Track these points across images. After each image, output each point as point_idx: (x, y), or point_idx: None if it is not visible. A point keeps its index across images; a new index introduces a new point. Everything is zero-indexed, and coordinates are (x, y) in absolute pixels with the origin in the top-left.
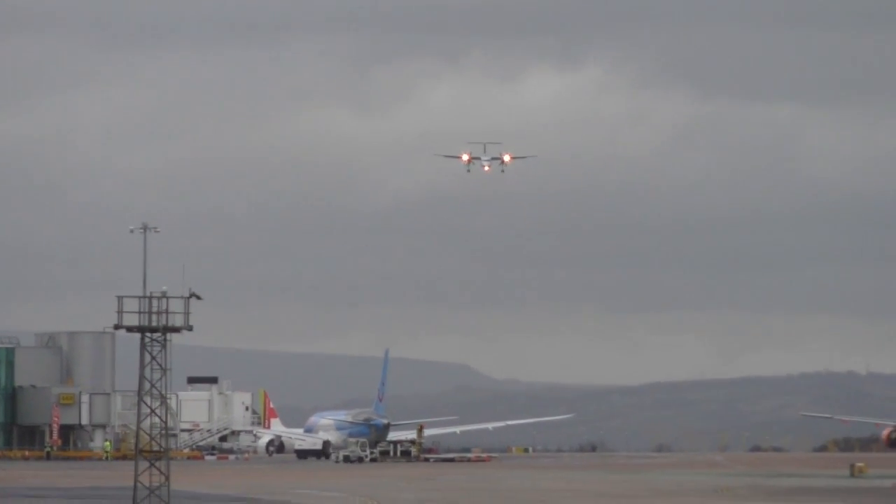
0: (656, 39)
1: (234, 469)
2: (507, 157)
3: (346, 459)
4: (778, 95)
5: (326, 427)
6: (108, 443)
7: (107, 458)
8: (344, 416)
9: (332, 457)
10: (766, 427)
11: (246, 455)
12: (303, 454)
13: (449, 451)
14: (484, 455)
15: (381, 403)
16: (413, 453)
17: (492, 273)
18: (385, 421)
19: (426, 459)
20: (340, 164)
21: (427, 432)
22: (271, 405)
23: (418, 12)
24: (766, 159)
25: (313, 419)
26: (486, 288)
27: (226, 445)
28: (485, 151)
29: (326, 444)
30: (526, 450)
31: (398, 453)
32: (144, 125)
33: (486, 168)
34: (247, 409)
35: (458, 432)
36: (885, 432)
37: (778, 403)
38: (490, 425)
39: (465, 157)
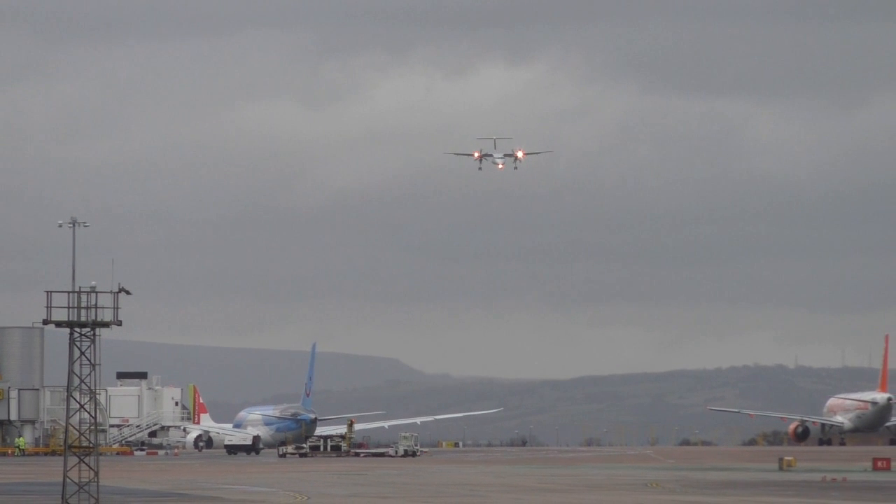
0: (604, 34)
1: (164, 464)
2: (520, 154)
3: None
4: (723, 89)
5: (255, 422)
6: (20, 439)
7: (17, 453)
8: (272, 411)
9: (280, 451)
10: (695, 421)
11: (175, 450)
12: (232, 449)
13: (379, 445)
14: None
15: (308, 398)
16: (343, 448)
17: (424, 268)
18: (313, 416)
19: (356, 454)
20: (283, 158)
21: (357, 427)
22: (201, 400)
23: (366, 7)
24: (709, 153)
25: (242, 414)
26: (419, 282)
27: (155, 441)
28: (495, 147)
29: (256, 439)
30: (456, 444)
31: (328, 448)
32: (86, 119)
33: (500, 166)
34: (176, 404)
35: (387, 427)
36: (791, 426)
37: (707, 397)
38: (419, 419)
39: (476, 155)
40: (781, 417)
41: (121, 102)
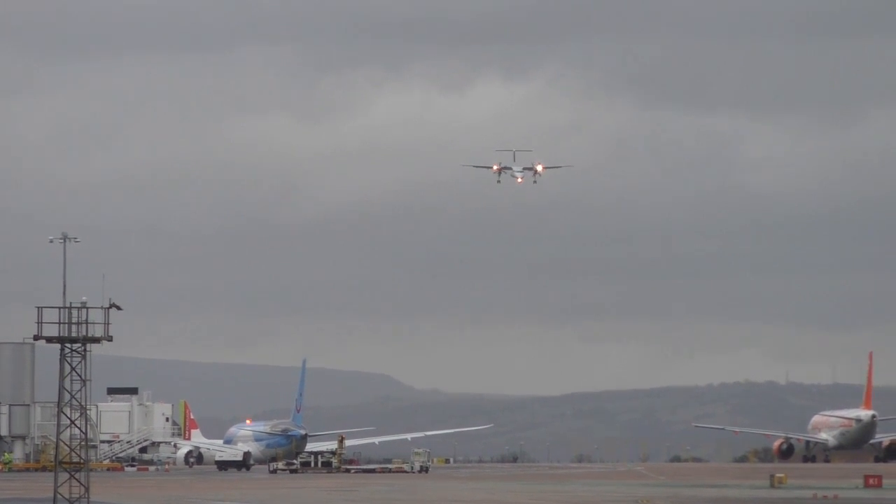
0: (600, 50)
1: (154, 480)
2: (539, 168)
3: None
4: (718, 105)
5: (245, 438)
6: (8, 454)
7: (6, 470)
8: (262, 427)
9: (271, 467)
10: (686, 437)
11: (166, 466)
12: (223, 465)
13: (370, 461)
14: (405, 466)
15: (299, 414)
16: (334, 464)
17: (415, 283)
18: (303, 431)
19: (347, 470)
20: (278, 173)
21: (347, 443)
22: (191, 416)
23: (362, 22)
24: (704, 169)
25: (232, 430)
26: (410, 298)
27: (146, 457)
28: (514, 160)
29: (247, 455)
30: (447, 460)
31: (319, 464)
32: (80, 134)
33: (519, 180)
34: (167, 420)
35: (378, 443)
36: (775, 444)
37: (698, 413)
38: (409, 436)
39: (495, 168)
40: (766, 434)
41: (115, 117)
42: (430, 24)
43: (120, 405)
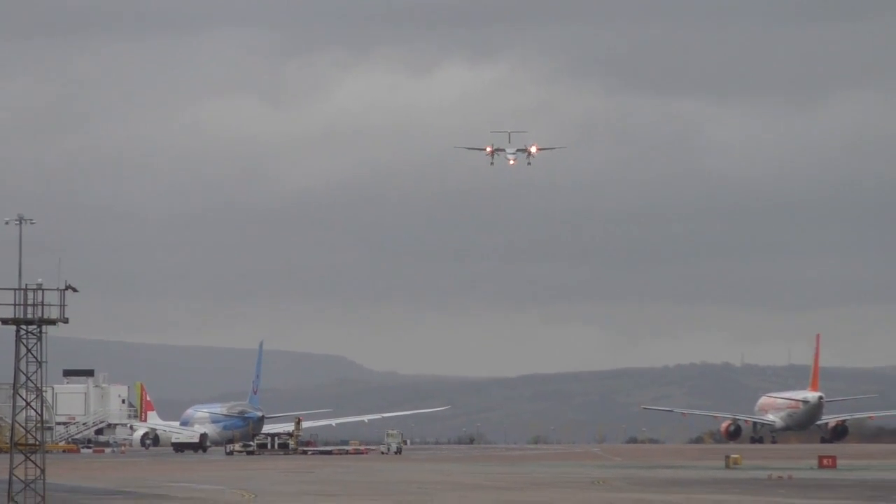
0: (567, 34)
1: (111, 462)
2: (533, 149)
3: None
4: (684, 89)
5: (202, 420)
6: None
7: None
8: (219, 408)
9: (227, 448)
10: (642, 418)
11: (122, 448)
12: (179, 447)
13: (327, 443)
14: (362, 447)
15: (255, 396)
16: (291, 446)
17: (374, 266)
18: (260, 413)
19: (304, 452)
20: (244, 157)
21: (304, 425)
22: (148, 398)
23: (329, 6)
24: (668, 153)
25: (189, 412)
26: (368, 281)
27: (102, 438)
28: (510, 142)
29: (203, 436)
30: (404, 442)
31: (276, 446)
32: (46, 115)
33: (511, 161)
34: (123, 401)
35: (335, 425)
36: (723, 425)
37: (655, 395)
38: (366, 417)
39: (488, 150)
40: (714, 416)
41: (81, 99)
42: (397, 7)
43: (76, 387)
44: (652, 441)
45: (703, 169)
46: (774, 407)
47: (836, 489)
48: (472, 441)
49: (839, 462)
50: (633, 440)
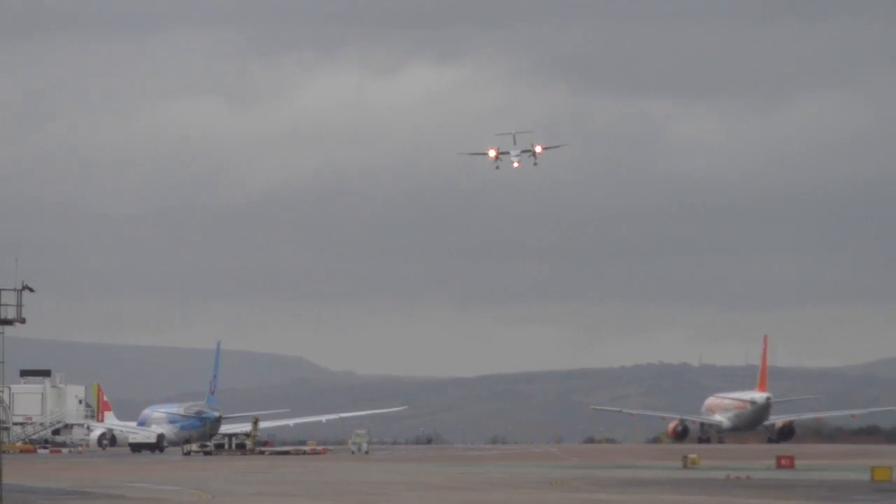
0: (531, 35)
1: (67, 463)
2: (538, 149)
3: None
4: (648, 89)
5: (159, 420)
6: None
7: None
8: (176, 408)
9: (185, 449)
10: (600, 418)
11: (79, 448)
12: (136, 447)
13: (285, 443)
14: (319, 448)
15: (213, 396)
16: (248, 446)
17: (333, 266)
18: (217, 414)
19: (261, 452)
20: (206, 157)
21: (262, 425)
22: (105, 398)
23: (294, 6)
24: (630, 153)
25: (146, 412)
26: (327, 281)
27: (59, 439)
28: (515, 143)
29: (160, 437)
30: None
31: (233, 446)
32: (8, 115)
33: (516, 164)
34: (80, 402)
35: (293, 425)
36: (671, 425)
37: (613, 395)
38: (324, 418)
39: (493, 154)
40: (662, 416)
41: (44, 98)
42: (362, 8)
43: (32, 387)
44: (609, 441)
45: (664, 169)
46: (722, 407)
47: (794, 489)
48: (429, 441)
49: (797, 462)
50: (591, 440)
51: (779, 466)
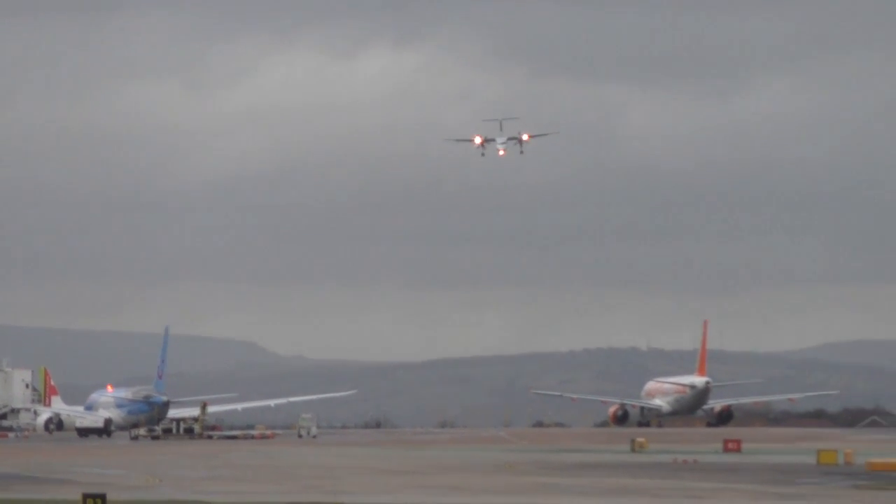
0: (491, 18)
1: (14, 447)
2: (525, 137)
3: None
4: (607, 74)
5: (106, 404)
6: None
7: None
8: (124, 393)
9: (132, 433)
10: (549, 403)
11: (25, 433)
12: (84, 432)
13: (233, 428)
14: (268, 432)
15: (161, 381)
16: (196, 431)
17: (282, 250)
18: (165, 398)
19: (209, 437)
20: (163, 140)
21: (210, 409)
22: (52, 383)
23: None
24: (588, 138)
25: (93, 396)
26: (277, 265)
27: (5, 423)
28: (501, 130)
29: (108, 421)
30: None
31: (181, 431)
32: None
33: (501, 152)
34: (27, 386)
35: (241, 409)
36: (611, 409)
37: (562, 379)
38: (273, 402)
39: (478, 140)
40: (603, 401)
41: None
42: None
43: None
44: (558, 425)
45: (618, 154)
46: (661, 392)
47: (741, 473)
48: (378, 425)
49: (744, 446)
50: (540, 424)
51: (726, 450)
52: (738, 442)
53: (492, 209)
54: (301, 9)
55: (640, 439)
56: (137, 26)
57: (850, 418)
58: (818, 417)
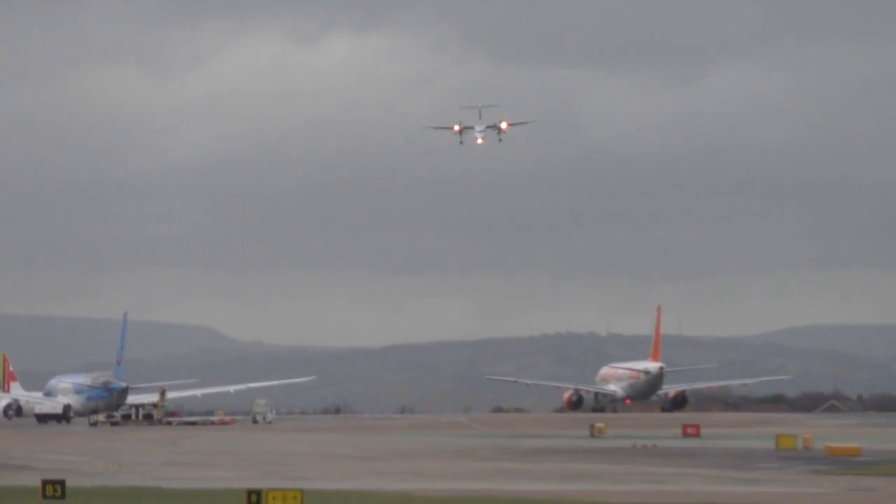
0: (453, 4)
1: None
2: (503, 125)
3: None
4: (570, 60)
5: (65, 390)
6: None
7: None
8: (83, 379)
9: (91, 419)
10: (508, 388)
11: None
12: (42, 418)
13: (192, 414)
14: (227, 418)
15: (120, 367)
16: (155, 417)
17: (242, 236)
18: (124, 384)
19: (168, 423)
20: (124, 125)
21: (169, 395)
22: (11, 368)
23: None
24: (549, 124)
25: (52, 382)
26: (236, 251)
27: None
28: (480, 117)
29: (67, 407)
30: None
31: (140, 417)
32: None
33: (479, 140)
34: None
35: (200, 395)
36: (566, 395)
37: (521, 364)
38: (232, 388)
39: (456, 128)
40: (557, 386)
41: None
42: None
43: None
44: (518, 410)
45: (580, 140)
46: (616, 377)
47: (700, 458)
48: (338, 411)
49: (703, 431)
50: (499, 409)
51: (685, 435)
52: (697, 427)
53: (451, 196)
54: None
55: (599, 424)
56: (98, 10)
57: (809, 403)
58: (777, 402)
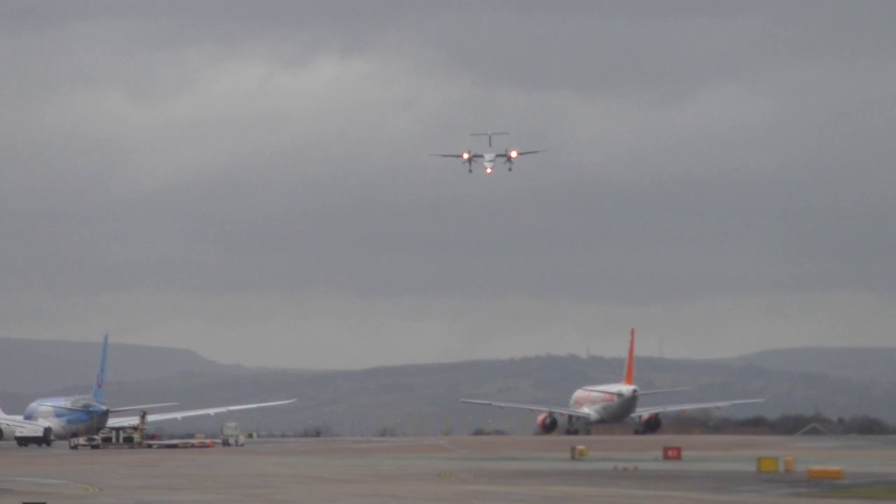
0: (437, 27)
1: None
2: (513, 154)
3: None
4: (553, 83)
5: (46, 414)
6: None
7: None
8: (63, 402)
9: (72, 443)
10: (489, 410)
11: None
12: (23, 441)
13: (173, 437)
14: (207, 441)
15: (100, 390)
16: (136, 440)
17: (223, 259)
18: (104, 407)
19: (149, 446)
20: (109, 149)
21: (150, 418)
22: None
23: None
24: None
25: (33, 406)
26: (217, 274)
27: None
28: (490, 144)
29: (47, 430)
30: (250, 435)
31: (121, 440)
32: None
33: (489, 170)
34: None
35: (180, 418)
36: (539, 418)
37: (501, 387)
38: (212, 411)
39: (465, 156)
40: (531, 409)
41: None
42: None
43: None
44: (498, 433)
45: (561, 162)
46: (589, 400)
47: (682, 480)
48: (318, 433)
49: (684, 454)
50: (480, 432)
51: (666, 458)
52: (679, 449)
53: (431, 219)
54: (247, 18)
55: (580, 447)
56: (82, 35)
57: (790, 425)
58: (758, 425)
